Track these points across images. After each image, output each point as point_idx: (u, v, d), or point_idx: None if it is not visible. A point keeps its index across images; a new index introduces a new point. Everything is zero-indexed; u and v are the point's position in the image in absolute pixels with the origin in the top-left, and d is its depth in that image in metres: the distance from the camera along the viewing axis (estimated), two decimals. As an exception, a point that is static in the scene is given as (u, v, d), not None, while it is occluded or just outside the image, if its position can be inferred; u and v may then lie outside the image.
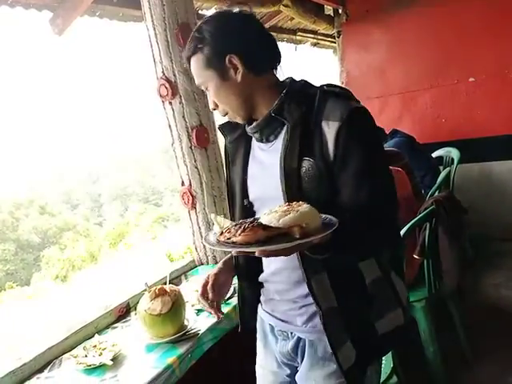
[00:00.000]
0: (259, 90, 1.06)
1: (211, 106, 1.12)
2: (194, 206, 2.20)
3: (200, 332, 1.62)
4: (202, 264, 2.31)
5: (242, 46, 1.03)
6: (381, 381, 1.48)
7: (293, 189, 0.99)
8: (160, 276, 2.03)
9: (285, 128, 1.03)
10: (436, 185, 2.71)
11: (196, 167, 2.15)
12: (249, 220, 0.85)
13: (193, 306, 1.82)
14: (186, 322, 1.66)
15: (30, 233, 36.53)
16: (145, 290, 1.65)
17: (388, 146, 3.17)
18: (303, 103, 1.01)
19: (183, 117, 2.11)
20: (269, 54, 1.08)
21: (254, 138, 1.14)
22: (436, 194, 2.62)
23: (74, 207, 51.99)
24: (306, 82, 1.09)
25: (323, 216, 0.84)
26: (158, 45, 2.09)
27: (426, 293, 2.14)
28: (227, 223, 0.88)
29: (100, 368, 1.46)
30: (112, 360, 1.48)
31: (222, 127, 1.22)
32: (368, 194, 0.95)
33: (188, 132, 2.12)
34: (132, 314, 1.88)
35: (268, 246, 0.75)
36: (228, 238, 0.78)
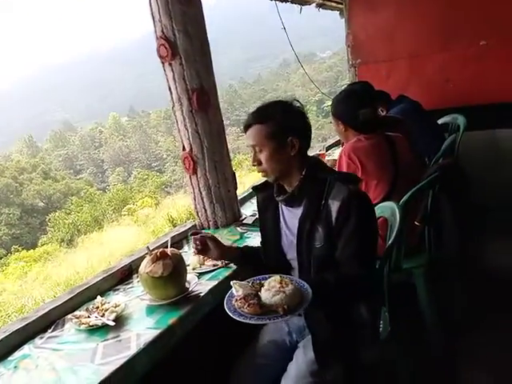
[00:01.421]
0: (295, 165, 1.43)
1: (253, 163, 1.46)
2: (195, 171, 2.18)
3: (201, 294, 1.64)
4: (204, 228, 2.32)
5: (301, 133, 1.44)
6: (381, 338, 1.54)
7: (303, 243, 1.42)
8: (162, 240, 2.04)
9: (304, 201, 1.42)
10: (440, 152, 2.67)
11: (197, 132, 2.11)
12: (257, 279, 1.31)
13: (194, 269, 1.83)
14: (187, 285, 1.68)
15: (35, 198, 36.81)
16: (146, 253, 1.66)
17: (393, 112, 3.10)
18: (317, 185, 1.40)
19: (183, 79, 2.05)
20: (309, 143, 1.49)
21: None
22: (440, 161, 2.59)
23: (77, 172, 52.13)
24: (318, 166, 1.48)
25: (304, 287, 1.22)
26: (157, 2, 2.00)
27: (426, 259, 2.16)
28: (244, 286, 1.25)
29: (102, 329, 1.49)
30: (114, 321, 1.50)
31: (256, 187, 1.65)
32: (353, 251, 1.33)
33: (188, 95, 2.06)
34: (134, 276, 1.90)
35: (262, 321, 1.17)
36: (239, 307, 1.18)
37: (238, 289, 1.25)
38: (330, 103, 2.44)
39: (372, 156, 2.14)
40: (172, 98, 2.12)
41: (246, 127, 1.45)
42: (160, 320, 1.50)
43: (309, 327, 1.45)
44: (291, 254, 1.51)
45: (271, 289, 1.19)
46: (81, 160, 54.87)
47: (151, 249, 1.70)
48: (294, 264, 1.51)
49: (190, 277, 1.73)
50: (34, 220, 35.26)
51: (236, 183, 2.35)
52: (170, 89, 2.11)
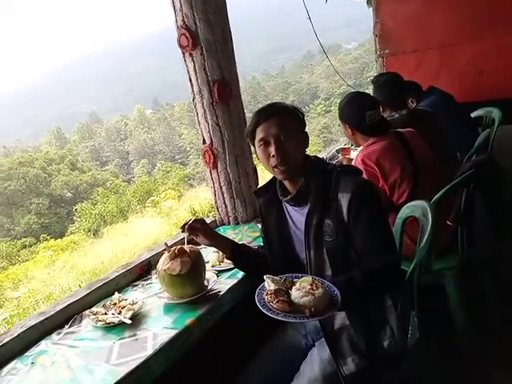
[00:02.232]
0: (302, 161, 1.43)
1: (276, 152, 1.38)
2: (215, 165, 2.12)
3: (220, 293, 1.59)
4: (224, 224, 2.27)
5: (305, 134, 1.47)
6: (408, 348, 1.44)
7: (310, 237, 1.37)
8: (181, 236, 2.00)
9: (310, 197, 1.38)
10: (474, 147, 2.52)
11: (217, 124, 2.05)
12: (290, 277, 1.28)
13: (213, 266, 1.78)
14: (205, 283, 1.64)
15: (63, 188, 37.83)
16: (164, 249, 1.62)
17: (424, 105, 2.95)
18: (322, 180, 1.37)
19: (204, 69, 1.99)
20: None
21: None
22: (474, 157, 2.44)
23: (103, 164, 53.26)
24: (320, 162, 1.46)
25: (334, 293, 1.18)
26: (178, -10, 1.94)
27: (457, 261, 2.04)
28: (276, 282, 1.23)
29: (119, 326, 1.46)
30: (131, 319, 1.47)
31: (256, 191, 1.60)
32: (377, 241, 1.29)
33: (209, 86, 2.00)
34: (153, 272, 1.87)
35: (288, 319, 1.14)
36: (269, 302, 1.18)
37: (270, 283, 1.23)
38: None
39: (387, 157, 2.04)
40: (193, 89, 2.07)
41: (271, 114, 1.39)
42: (177, 320, 1.46)
43: (322, 326, 1.38)
44: (303, 254, 1.44)
45: (302, 289, 1.17)
46: (107, 152, 55.99)
47: (169, 245, 1.66)
48: (306, 262, 1.44)
49: (209, 275, 1.68)
50: (61, 210, 36.28)
51: (257, 178, 2.28)
52: (190, 80, 2.06)
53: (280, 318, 1.13)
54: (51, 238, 26.03)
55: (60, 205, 37.15)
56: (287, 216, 1.50)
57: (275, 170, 1.40)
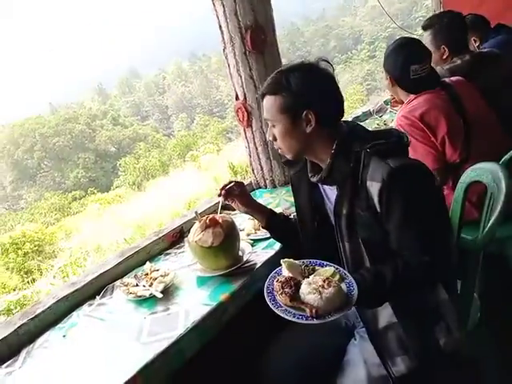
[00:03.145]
0: (319, 139, 1.21)
1: (270, 138, 1.27)
2: (249, 124, 1.93)
3: (256, 266, 1.47)
4: (260, 187, 2.12)
5: (321, 104, 1.17)
6: (468, 329, 1.28)
7: (342, 228, 1.19)
8: (214, 201, 1.88)
9: (338, 181, 1.20)
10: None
11: (251, 77, 1.84)
12: (312, 263, 1.16)
13: (248, 235, 1.66)
14: (240, 253, 1.52)
15: (107, 143, 39.04)
16: (195, 218, 1.50)
17: (489, 45, 2.56)
18: (350, 161, 1.15)
19: (235, 14, 1.75)
20: (338, 112, 1.22)
21: None
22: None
23: (143, 119, 54.09)
24: (351, 137, 1.18)
25: (351, 293, 1.05)
26: None
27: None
28: (293, 268, 1.13)
29: (150, 299, 1.39)
30: (162, 292, 1.39)
31: (286, 162, 1.37)
32: (412, 240, 1.08)
33: (241, 34, 1.78)
34: (185, 239, 1.77)
35: (285, 315, 1.04)
36: (275, 290, 1.09)
37: (285, 269, 1.14)
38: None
39: (432, 112, 1.78)
40: (223, 38, 1.85)
41: (262, 95, 1.24)
42: (211, 295, 1.36)
43: (361, 318, 1.24)
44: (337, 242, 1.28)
45: (312, 284, 1.06)
46: (146, 106, 56.61)
47: (200, 212, 1.54)
48: (340, 255, 1.27)
49: (244, 245, 1.56)
50: (107, 164, 37.68)
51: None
52: (220, 27, 1.84)
53: (278, 312, 1.04)
54: (98, 191, 27.28)
55: (105, 159, 38.53)
56: (322, 192, 1.33)
57: None
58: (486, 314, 1.44)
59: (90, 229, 14.83)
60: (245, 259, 1.49)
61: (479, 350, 1.41)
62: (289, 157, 1.27)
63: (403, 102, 1.93)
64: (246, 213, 1.50)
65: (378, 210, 1.10)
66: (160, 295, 1.38)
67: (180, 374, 1.22)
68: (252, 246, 1.58)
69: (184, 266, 1.56)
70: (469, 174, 1.52)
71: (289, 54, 54.71)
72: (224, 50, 1.87)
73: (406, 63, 1.80)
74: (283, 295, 1.05)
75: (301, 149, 1.23)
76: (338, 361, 1.24)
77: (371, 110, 2.85)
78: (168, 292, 1.42)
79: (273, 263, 1.50)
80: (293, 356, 1.28)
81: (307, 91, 1.16)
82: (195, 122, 44.56)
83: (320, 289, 1.03)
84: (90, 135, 39.15)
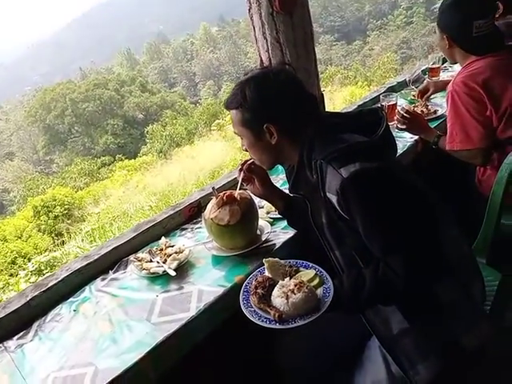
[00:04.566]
0: (288, 148, 1.17)
1: (243, 149, 1.26)
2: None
3: (274, 247, 1.38)
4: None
5: (280, 117, 1.13)
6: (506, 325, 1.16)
7: (328, 238, 1.14)
8: (232, 176, 1.78)
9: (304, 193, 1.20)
10: None
11: (278, 41, 1.69)
12: (298, 264, 1.13)
13: (268, 213, 1.56)
14: (258, 232, 1.43)
15: (135, 110, 39.25)
16: (211, 193, 1.42)
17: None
18: (312, 174, 1.10)
19: (262, -31, 1.59)
20: (303, 118, 1.14)
21: None
22: None
23: (171, 86, 53.90)
24: (318, 140, 1.10)
25: (324, 299, 1.01)
26: None
27: None
28: (274, 269, 1.11)
29: (163, 277, 1.34)
30: (176, 270, 1.33)
31: None
32: (380, 248, 1.03)
33: (268, -9, 1.61)
34: (203, 214, 1.69)
35: (251, 316, 1.02)
36: (251, 290, 1.07)
37: (266, 269, 1.11)
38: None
39: (498, 78, 1.59)
40: (248, -4, 1.69)
41: (225, 107, 1.23)
42: (225, 276, 1.30)
43: (371, 328, 1.13)
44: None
45: (283, 287, 1.03)
46: (174, 73, 56.22)
47: (217, 188, 1.45)
48: (333, 263, 1.20)
49: (263, 224, 1.47)
50: (135, 131, 38.03)
51: (324, 107, 1.93)
52: (245, -15, 1.67)
53: (246, 313, 1.03)
54: (126, 158, 27.71)
55: (133, 126, 38.86)
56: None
57: None
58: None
59: (117, 195, 15.15)
60: (263, 239, 1.40)
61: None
62: (264, 167, 1.29)
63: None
64: (263, 197, 1.41)
65: (348, 218, 1.05)
66: (173, 273, 1.32)
67: (189, 357, 1.17)
68: (271, 224, 1.48)
69: (199, 243, 1.49)
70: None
71: (321, 18, 52.53)
72: (249, 10, 1.72)
73: (468, 18, 1.58)
74: (254, 296, 1.04)
75: (272, 159, 1.23)
76: (358, 355, 1.16)
77: (407, 79, 2.63)
78: (182, 270, 1.36)
79: (292, 244, 1.41)
80: (310, 345, 1.22)
81: (264, 105, 1.12)
82: (222, 90, 44.04)
83: (289, 293, 1.00)
84: (119, 101, 39.37)
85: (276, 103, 1.12)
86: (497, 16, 1.98)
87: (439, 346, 1.06)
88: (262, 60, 1.79)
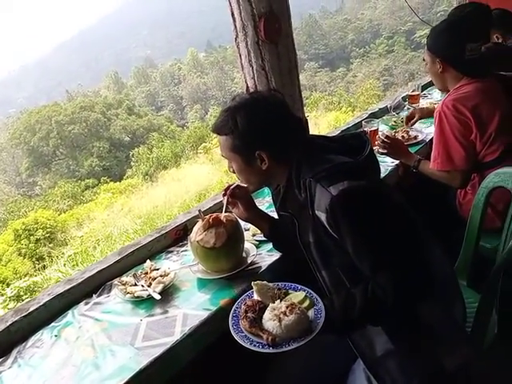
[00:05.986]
0: (277, 171, 1.19)
1: (229, 170, 1.27)
2: (260, 117, 1.84)
3: (260, 270, 1.39)
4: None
5: (272, 143, 1.15)
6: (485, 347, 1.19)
7: (315, 257, 1.16)
8: (217, 199, 1.80)
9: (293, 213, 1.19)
10: None
11: (263, 68, 1.74)
12: (286, 286, 1.12)
13: (253, 235, 1.57)
14: (244, 255, 1.44)
15: (121, 132, 39.17)
16: (197, 216, 1.43)
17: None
18: (300, 193, 1.12)
19: (249, 0, 1.65)
20: (292, 141, 1.16)
21: None
22: None
23: (158, 109, 54.17)
24: (306, 161, 1.12)
25: (316, 321, 1.00)
26: None
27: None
28: (262, 292, 1.09)
29: (148, 301, 1.33)
30: (160, 294, 1.32)
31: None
32: (369, 266, 1.03)
33: (254, 21, 1.68)
34: (189, 237, 1.69)
35: (242, 341, 1.00)
36: (241, 315, 1.05)
37: (255, 292, 1.10)
38: (420, 33, 1.89)
39: (486, 104, 1.64)
40: (235, 25, 1.75)
41: (212, 131, 1.25)
42: (211, 299, 1.29)
43: (356, 350, 1.14)
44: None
45: (275, 309, 1.02)
46: (161, 97, 56.62)
47: (203, 210, 1.47)
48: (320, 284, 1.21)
49: (249, 246, 1.48)
50: (120, 154, 37.84)
51: (308, 131, 1.98)
52: (232, 14, 1.73)
53: (236, 339, 1.00)
54: (111, 180, 27.44)
55: (119, 149, 38.70)
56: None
57: None
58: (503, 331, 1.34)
59: (101, 218, 14.93)
60: (249, 261, 1.41)
61: (495, 368, 1.30)
62: (251, 188, 1.31)
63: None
64: (248, 220, 1.42)
65: (336, 236, 1.06)
66: (158, 297, 1.31)
67: (174, 382, 1.15)
68: (257, 247, 1.49)
69: (185, 266, 1.48)
70: (492, 179, 1.41)
71: (306, 46, 54.01)
72: (236, 38, 1.78)
73: (462, 41, 1.64)
74: (244, 320, 1.02)
75: (259, 182, 1.27)
76: (343, 380, 1.16)
77: (388, 106, 2.73)
78: (167, 293, 1.35)
79: (278, 267, 1.42)
80: (298, 370, 1.21)
81: (255, 132, 1.13)
82: (209, 114, 44.44)
83: (281, 315, 0.99)
84: (105, 124, 39.30)
85: (267, 130, 1.13)
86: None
87: (423, 368, 1.07)
88: (247, 86, 1.84)
